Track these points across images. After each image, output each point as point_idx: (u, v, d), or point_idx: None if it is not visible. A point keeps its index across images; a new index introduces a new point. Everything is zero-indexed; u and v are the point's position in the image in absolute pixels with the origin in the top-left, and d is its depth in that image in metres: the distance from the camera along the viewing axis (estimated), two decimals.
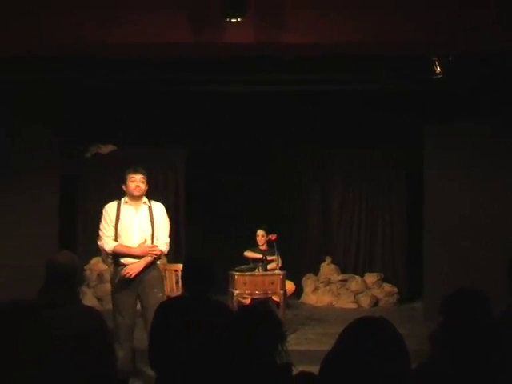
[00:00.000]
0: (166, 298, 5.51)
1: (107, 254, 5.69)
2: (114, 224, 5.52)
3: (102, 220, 5.58)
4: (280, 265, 7.52)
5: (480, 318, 2.84)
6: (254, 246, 8.39)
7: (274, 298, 7.32)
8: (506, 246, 6.59)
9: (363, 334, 2.11)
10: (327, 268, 9.86)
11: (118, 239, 5.51)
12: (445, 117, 7.57)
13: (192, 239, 9.38)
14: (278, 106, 7.66)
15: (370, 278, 9.63)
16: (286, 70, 6.22)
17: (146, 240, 5.49)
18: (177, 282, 7.15)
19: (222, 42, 5.15)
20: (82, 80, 6.59)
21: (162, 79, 6.66)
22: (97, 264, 9.38)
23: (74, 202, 9.51)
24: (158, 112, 7.83)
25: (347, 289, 9.59)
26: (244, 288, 7.15)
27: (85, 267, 9.10)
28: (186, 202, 9.59)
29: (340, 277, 9.75)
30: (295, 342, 6.50)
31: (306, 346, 6.65)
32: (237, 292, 7.10)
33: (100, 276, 9.23)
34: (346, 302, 9.44)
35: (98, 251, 9.09)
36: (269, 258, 7.68)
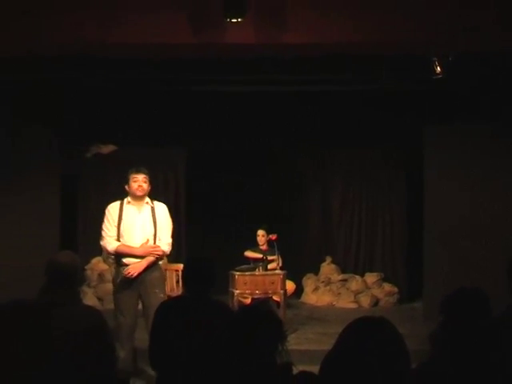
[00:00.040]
0: (167, 298, 5.51)
1: (109, 253, 5.70)
2: (116, 224, 5.51)
3: (105, 220, 5.58)
4: (280, 264, 7.52)
5: (480, 318, 2.84)
6: (254, 246, 8.39)
7: (275, 297, 7.33)
8: (506, 246, 6.59)
9: (363, 334, 2.11)
10: (327, 268, 9.86)
11: (121, 239, 5.51)
12: (445, 117, 7.57)
13: (192, 239, 9.38)
14: (278, 106, 7.67)
15: (370, 277, 9.63)
16: (286, 70, 6.22)
17: (148, 240, 5.49)
18: (177, 281, 7.15)
19: (222, 42, 5.16)
20: (82, 80, 6.59)
21: (162, 79, 6.66)
22: (97, 264, 9.38)
23: (75, 202, 9.51)
24: (158, 112, 7.83)
25: (347, 288, 9.59)
26: (244, 288, 7.15)
27: (85, 267, 9.10)
28: (186, 202, 9.59)
29: (340, 277, 9.75)
30: (295, 342, 6.49)
31: (306, 345, 6.65)
32: (237, 292, 7.11)
33: (101, 276, 9.23)
34: (346, 302, 9.44)
35: (98, 251, 9.14)
36: (269, 257, 7.68)
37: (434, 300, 4.78)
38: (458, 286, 2.99)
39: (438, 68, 5.79)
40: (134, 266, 5.40)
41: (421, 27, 5.18)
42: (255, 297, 7.17)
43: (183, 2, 5.11)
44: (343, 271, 9.84)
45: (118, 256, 5.51)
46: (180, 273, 6.74)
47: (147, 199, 5.63)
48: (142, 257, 5.45)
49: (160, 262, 5.64)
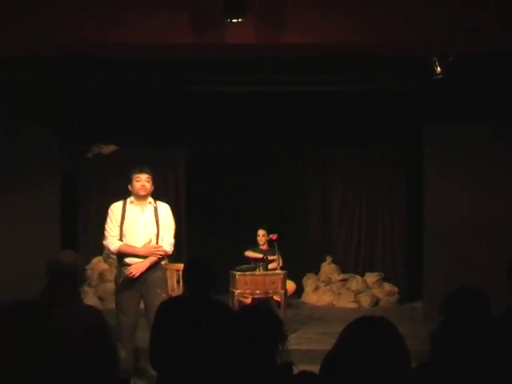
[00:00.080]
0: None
1: (112, 253, 5.70)
2: (119, 224, 5.51)
3: (108, 219, 5.58)
4: (281, 264, 7.53)
5: (480, 317, 2.84)
6: (254, 246, 8.40)
7: (275, 297, 7.33)
8: (506, 246, 6.59)
9: (363, 334, 2.11)
10: (328, 268, 9.86)
11: (123, 239, 5.51)
12: (445, 117, 7.57)
13: (192, 239, 9.38)
14: (278, 106, 7.66)
15: (371, 277, 9.64)
16: (286, 70, 6.22)
17: (151, 240, 5.50)
18: (178, 281, 7.15)
19: (223, 42, 5.16)
20: (82, 80, 6.59)
21: (162, 79, 6.66)
22: (98, 264, 9.40)
23: (75, 202, 9.51)
24: (158, 112, 7.83)
25: (348, 288, 9.60)
26: (245, 287, 7.16)
27: (86, 267, 9.11)
28: (186, 202, 9.59)
29: (340, 276, 9.75)
30: (296, 342, 6.51)
31: (306, 345, 6.65)
32: (238, 291, 7.11)
33: (101, 275, 9.24)
34: (346, 302, 9.44)
35: (99, 251, 9.18)
36: (269, 257, 7.68)
37: (433, 300, 4.78)
38: (458, 286, 2.99)
39: (438, 68, 5.79)
40: (136, 266, 5.40)
41: (421, 27, 5.18)
42: (256, 297, 7.18)
43: (183, 2, 5.11)
44: (343, 271, 9.85)
45: (121, 256, 5.52)
46: (180, 273, 6.74)
47: (150, 199, 5.64)
48: (144, 257, 5.45)
49: (162, 262, 5.65)
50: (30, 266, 6.50)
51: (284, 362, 2.49)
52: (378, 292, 9.51)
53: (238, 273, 7.22)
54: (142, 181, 5.56)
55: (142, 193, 5.56)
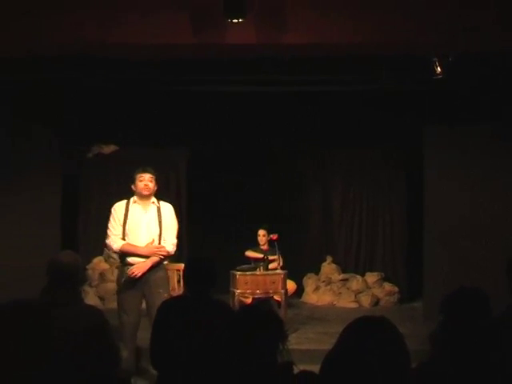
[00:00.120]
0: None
1: (115, 252, 5.72)
2: (122, 223, 5.51)
3: (111, 218, 5.58)
4: (281, 264, 7.53)
5: (480, 317, 2.84)
6: (255, 246, 8.41)
7: (276, 297, 7.33)
8: (506, 246, 6.59)
9: (364, 334, 2.11)
10: (328, 267, 9.87)
11: (126, 238, 5.51)
12: (445, 117, 7.57)
13: (192, 239, 9.38)
14: (278, 106, 7.67)
15: (371, 277, 9.64)
16: (286, 70, 6.22)
17: (153, 240, 5.50)
18: (178, 281, 7.16)
19: (223, 42, 5.15)
20: (82, 80, 6.59)
21: (162, 79, 6.66)
22: (99, 263, 9.40)
23: (76, 202, 9.51)
24: (158, 112, 7.83)
25: (348, 288, 9.60)
26: (245, 287, 7.16)
27: (87, 266, 9.11)
28: (187, 202, 9.59)
29: (341, 276, 9.76)
30: (296, 341, 6.52)
31: (306, 345, 6.65)
32: (238, 291, 7.12)
33: (102, 275, 9.25)
34: (346, 302, 9.45)
35: (99, 250, 9.19)
36: (270, 257, 7.69)
37: (433, 300, 4.78)
38: (458, 286, 2.99)
39: (438, 68, 5.79)
40: (138, 266, 5.41)
41: (421, 27, 5.18)
42: (256, 296, 7.18)
43: (183, 2, 5.11)
44: (344, 271, 9.85)
45: (123, 255, 5.52)
46: (181, 272, 6.75)
47: (153, 199, 5.63)
48: (146, 256, 5.46)
49: (165, 262, 5.65)
50: (30, 266, 6.49)
51: (284, 362, 2.49)
52: (378, 292, 9.51)
53: (239, 273, 7.22)
54: (146, 180, 5.56)
55: (145, 192, 5.56)
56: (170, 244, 5.55)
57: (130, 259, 5.47)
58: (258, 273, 7.35)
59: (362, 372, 2.03)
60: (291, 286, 8.22)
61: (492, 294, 2.97)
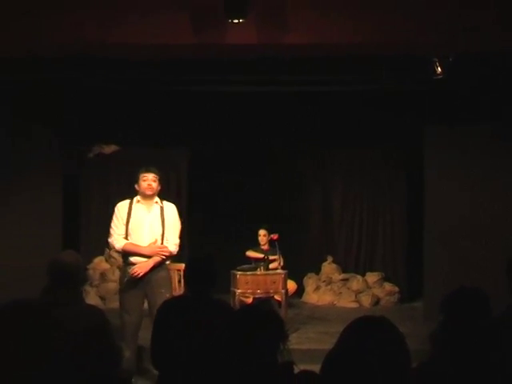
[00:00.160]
0: None
1: (117, 251, 5.72)
2: (125, 222, 5.51)
3: (114, 218, 5.58)
4: (282, 264, 7.54)
5: (480, 317, 2.84)
6: (255, 246, 8.41)
7: (276, 297, 7.34)
8: (506, 246, 6.59)
9: (364, 333, 2.11)
10: (328, 267, 9.87)
11: (129, 238, 5.51)
12: (445, 117, 7.57)
13: (192, 239, 9.38)
14: (278, 106, 7.66)
15: (371, 277, 9.64)
16: (287, 70, 6.22)
17: (156, 240, 5.50)
18: (179, 281, 7.16)
19: (223, 42, 5.15)
20: (82, 80, 6.59)
21: (162, 79, 6.66)
22: (100, 263, 9.40)
23: (76, 202, 9.51)
24: (158, 112, 7.83)
25: (348, 288, 9.60)
26: (246, 287, 7.16)
27: (88, 266, 9.12)
28: (187, 202, 9.59)
29: (341, 276, 9.76)
30: (297, 341, 6.52)
31: (307, 344, 6.65)
32: (239, 291, 7.12)
33: (103, 275, 9.25)
34: (347, 301, 9.45)
35: (100, 250, 9.19)
36: (270, 257, 7.69)
37: (434, 300, 4.78)
38: (458, 286, 2.99)
39: (439, 68, 5.79)
40: (140, 266, 5.41)
41: (421, 27, 5.18)
42: (257, 296, 7.19)
43: (183, 2, 5.11)
44: (344, 271, 9.85)
45: (126, 255, 5.53)
46: (182, 272, 6.75)
47: (156, 199, 5.63)
48: (149, 256, 5.46)
49: (167, 262, 5.65)
50: (30, 265, 6.49)
51: (285, 362, 2.49)
52: (378, 292, 9.51)
53: (239, 272, 7.23)
54: (149, 180, 5.56)
55: (149, 192, 5.56)
56: (172, 244, 5.55)
57: (133, 259, 5.47)
58: (258, 273, 7.35)
59: (362, 372, 2.03)
60: (292, 285, 8.22)
61: (492, 294, 2.98)
